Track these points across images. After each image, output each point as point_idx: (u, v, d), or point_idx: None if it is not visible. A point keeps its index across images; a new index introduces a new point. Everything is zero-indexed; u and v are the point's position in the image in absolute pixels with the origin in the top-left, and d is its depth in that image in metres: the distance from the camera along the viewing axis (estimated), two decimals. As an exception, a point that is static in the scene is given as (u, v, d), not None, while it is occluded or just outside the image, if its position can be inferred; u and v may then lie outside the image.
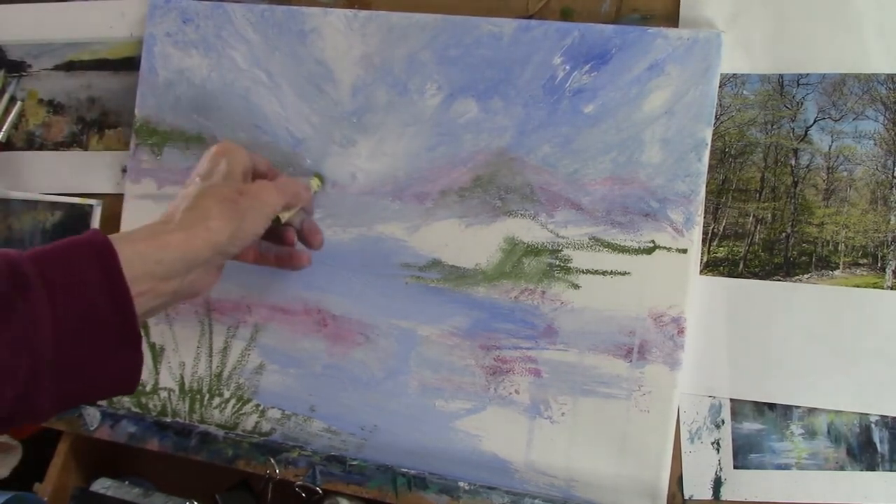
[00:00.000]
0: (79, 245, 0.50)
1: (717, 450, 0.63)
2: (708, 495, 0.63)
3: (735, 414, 0.63)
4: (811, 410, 0.62)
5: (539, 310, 0.66)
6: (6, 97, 0.82)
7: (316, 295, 0.71)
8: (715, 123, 0.64)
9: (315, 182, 0.71)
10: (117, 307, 0.49)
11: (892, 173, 0.62)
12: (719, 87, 0.64)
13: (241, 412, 0.72)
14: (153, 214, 0.75)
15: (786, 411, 0.62)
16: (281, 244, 0.67)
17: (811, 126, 0.63)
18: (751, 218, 0.64)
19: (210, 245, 0.55)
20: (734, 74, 0.65)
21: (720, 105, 0.65)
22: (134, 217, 0.77)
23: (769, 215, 0.64)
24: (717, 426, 0.63)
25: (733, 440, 0.63)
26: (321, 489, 0.68)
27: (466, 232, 0.68)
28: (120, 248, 0.50)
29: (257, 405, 0.72)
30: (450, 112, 0.69)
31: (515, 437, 0.66)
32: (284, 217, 0.63)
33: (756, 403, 0.63)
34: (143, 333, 0.74)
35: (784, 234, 0.63)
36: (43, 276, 0.47)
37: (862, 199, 0.62)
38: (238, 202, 0.58)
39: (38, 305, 0.46)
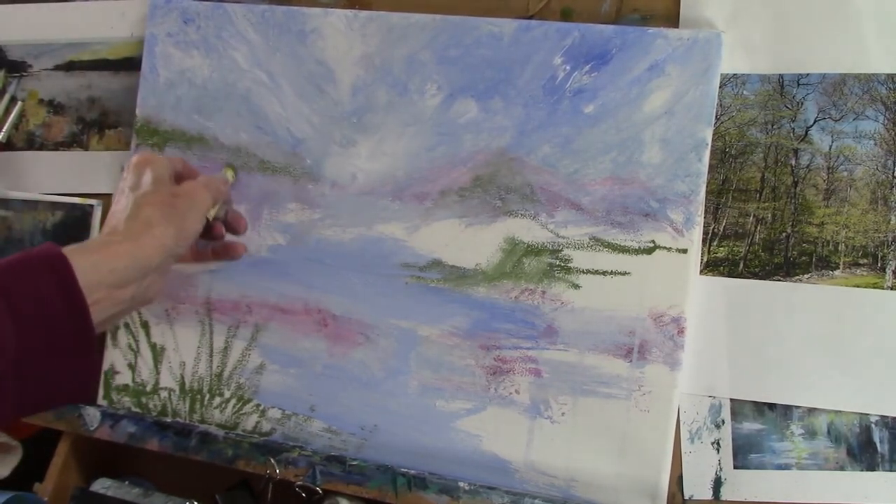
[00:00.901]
0: (34, 256, 0.52)
1: (717, 450, 0.63)
2: (708, 495, 0.63)
3: (735, 414, 0.63)
4: (811, 410, 0.62)
5: (539, 310, 0.66)
6: (6, 97, 0.82)
7: (316, 295, 0.71)
8: (715, 123, 0.64)
9: (230, 173, 0.73)
10: (73, 314, 0.51)
11: (893, 173, 0.62)
12: (719, 87, 0.64)
13: (241, 412, 0.72)
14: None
15: (786, 411, 0.62)
16: (212, 239, 0.70)
17: (811, 126, 0.63)
18: (751, 218, 0.64)
19: (158, 249, 0.58)
20: (734, 74, 0.65)
21: (720, 105, 0.65)
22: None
23: (769, 215, 0.64)
24: (717, 426, 0.63)
25: (733, 440, 0.63)
26: (321, 489, 0.68)
27: (467, 232, 0.68)
28: (74, 260, 0.52)
29: (257, 405, 0.72)
30: (450, 112, 0.69)
31: (515, 437, 0.66)
32: (212, 213, 0.65)
33: (756, 403, 0.63)
34: (143, 334, 0.75)
35: (784, 234, 0.64)
36: (1, 287, 0.49)
37: (862, 199, 0.62)
38: (175, 205, 0.60)
39: None
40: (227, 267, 0.74)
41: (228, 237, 0.71)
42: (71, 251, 0.53)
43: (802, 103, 0.64)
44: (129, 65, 0.79)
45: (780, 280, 0.63)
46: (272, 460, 0.69)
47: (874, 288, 0.61)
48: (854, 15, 0.62)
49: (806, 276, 0.63)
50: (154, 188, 0.61)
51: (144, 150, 0.64)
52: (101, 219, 0.78)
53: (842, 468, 0.61)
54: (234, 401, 0.73)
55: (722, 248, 0.65)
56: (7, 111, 0.82)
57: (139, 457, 0.77)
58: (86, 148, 0.80)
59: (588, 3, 0.68)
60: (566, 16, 0.68)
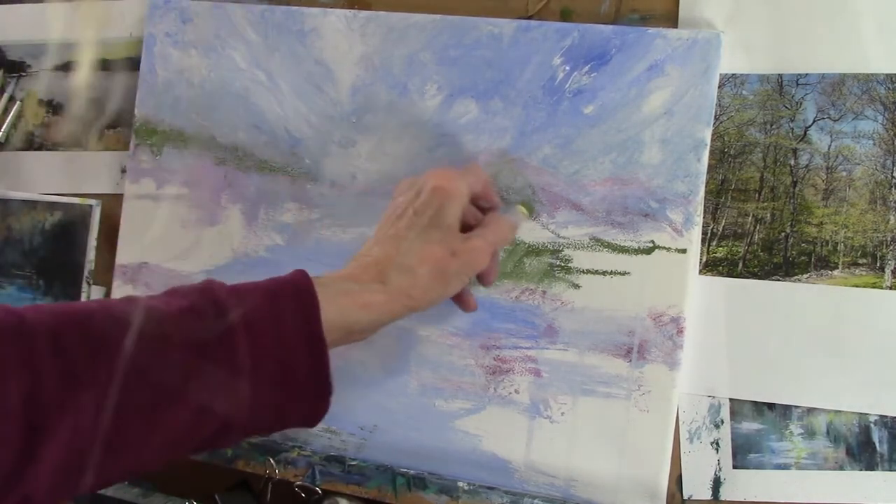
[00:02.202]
0: (284, 295, 0.51)
1: (717, 450, 0.63)
2: (707, 495, 0.63)
3: (734, 414, 0.63)
4: (810, 410, 0.62)
5: (539, 309, 0.66)
6: (5, 97, 0.82)
7: (316, 295, 0.71)
8: (714, 123, 0.64)
9: (523, 212, 0.66)
10: (313, 361, 0.50)
11: (892, 173, 0.62)
12: (718, 87, 0.64)
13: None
14: (153, 215, 0.75)
15: (785, 411, 0.63)
16: (458, 304, 0.65)
17: (810, 126, 0.63)
18: (750, 218, 0.64)
19: (408, 310, 0.55)
20: (733, 74, 0.65)
21: (719, 105, 0.65)
22: (133, 217, 0.76)
23: (768, 215, 0.64)
24: (717, 426, 0.63)
25: (732, 440, 0.63)
26: (321, 489, 0.68)
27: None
28: (324, 303, 0.51)
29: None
30: (450, 113, 0.69)
31: (515, 437, 0.66)
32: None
33: (755, 403, 0.63)
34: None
35: (783, 234, 0.64)
36: (245, 319, 0.48)
37: (861, 199, 0.62)
38: (449, 267, 0.56)
39: (238, 346, 0.48)
40: (224, 268, 0.74)
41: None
42: (323, 287, 0.51)
43: (801, 103, 0.64)
44: (129, 65, 0.79)
45: (779, 280, 0.63)
46: (271, 460, 0.69)
47: (873, 288, 0.61)
48: (853, 15, 0.62)
49: (805, 275, 0.63)
50: (441, 237, 0.56)
51: (444, 174, 0.57)
52: (100, 219, 0.78)
53: (841, 468, 0.61)
54: (233, 401, 0.73)
55: (721, 248, 0.65)
56: (6, 111, 0.82)
57: (138, 457, 0.77)
58: (85, 148, 0.80)
59: (587, 4, 0.68)
60: (565, 16, 0.68)
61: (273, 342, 0.49)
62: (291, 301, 0.50)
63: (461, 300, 0.64)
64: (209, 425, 0.48)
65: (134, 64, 0.78)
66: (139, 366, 0.45)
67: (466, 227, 0.60)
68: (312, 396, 0.52)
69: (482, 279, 0.63)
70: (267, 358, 0.49)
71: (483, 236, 0.59)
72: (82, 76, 0.80)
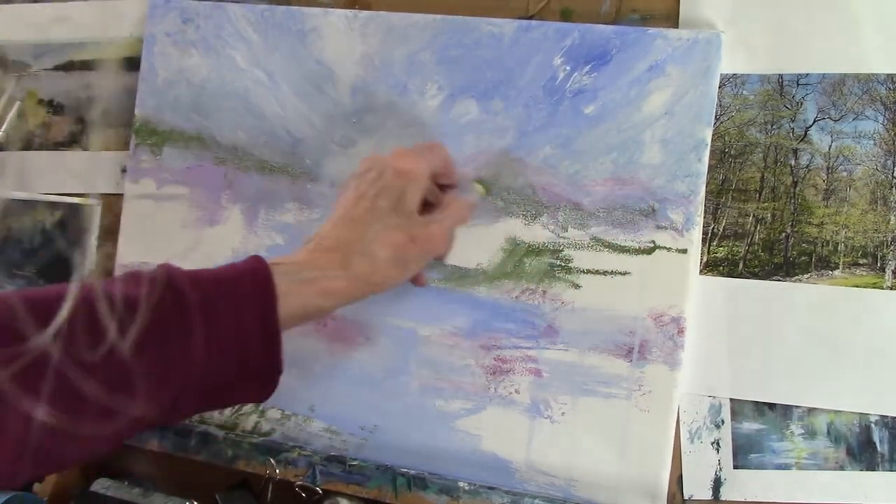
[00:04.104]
0: (243, 284, 0.51)
1: (717, 450, 0.63)
2: (708, 495, 0.63)
3: (735, 414, 0.63)
4: (811, 410, 0.62)
5: (540, 309, 0.66)
6: (5, 97, 0.82)
7: (316, 295, 0.71)
8: (715, 124, 0.64)
9: (480, 190, 0.67)
10: (267, 350, 0.51)
11: (892, 173, 0.62)
12: (719, 87, 0.64)
13: (240, 412, 0.72)
14: (153, 214, 0.75)
15: (786, 411, 0.63)
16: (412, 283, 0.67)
17: (811, 126, 0.63)
18: (750, 218, 0.64)
19: (367, 294, 0.56)
20: (734, 74, 0.65)
21: (720, 105, 0.65)
22: (134, 217, 0.76)
23: (769, 215, 0.64)
24: (717, 426, 0.63)
25: (733, 440, 0.63)
26: (321, 489, 0.68)
27: (468, 232, 0.68)
28: (282, 293, 0.51)
29: (257, 405, 0.72)
30: (451, 113, 0.69)
31: (515, 437, 0.66)
32: None
33: (756, 403, 0.63)
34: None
35: (784, 234, 0.64)
36: (203, 307, 0.49)
37: (862, 200, 0.62)
38: (409, 253, 0.57)
39: (195, 334, 0.48)
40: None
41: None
42: (282, 275, 0.52)
43: (802, 103, 0.64)
44: (129, 65, 0.79)
45: (779, 280, 0.63)
46: (272, 460, 0.69)
47: (874, 288, 0.61)
48: (854, 15, 0.62)
49: (805, 276, 0.63)
50: (402, 222, 0.57)
51: (409, 157, 0.58)
52: (100, 219, 0.78)
53: (842, 468, 0.61)
54: (233, 401, 0.73)
55: (721, 248, 0.65)
56: (6, 111, 0.82)
57: (139, 457, 0.77)
58: (85, 148, 0.80)
59: (588, 4, 0.68)
60: (566, 16, 0.68)
61: (229, 332, 0.49)
62: (249, 290, 0.51)
63: (414, 278, 0.65)
64: (159, 409, 0.49)
65: (134, 64, 0.78)
66: (94, 353, 0.45)
67: (426, 205, 0.61)
68: (262, 381, 0.53)
69: (438, 257, 0.65)
70: (222, 347, 0.49)
71: (442, 221, 0.60)
72: (83, 76, 0.80)
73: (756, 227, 0.64)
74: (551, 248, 0.66)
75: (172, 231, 0.75)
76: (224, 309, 0.50)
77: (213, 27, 0.75)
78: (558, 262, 0.66)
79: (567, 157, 0.66)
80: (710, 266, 0.65)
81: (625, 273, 0.65)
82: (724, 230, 0.65)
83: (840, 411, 0.62)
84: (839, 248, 0.62)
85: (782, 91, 0.64)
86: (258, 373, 0.52)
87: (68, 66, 0.81)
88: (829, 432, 0.62)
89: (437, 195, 0.63)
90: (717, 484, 0.63)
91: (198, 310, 0.49)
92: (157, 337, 0.47)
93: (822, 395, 0.62)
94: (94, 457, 0.48)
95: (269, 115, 0.73)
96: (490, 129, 0.68)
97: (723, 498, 0.63)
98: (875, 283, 0.61)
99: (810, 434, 0.62)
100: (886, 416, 0.61)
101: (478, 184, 0.67)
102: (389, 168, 0.58)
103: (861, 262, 0.62)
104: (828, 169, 0.63)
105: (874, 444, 0.61)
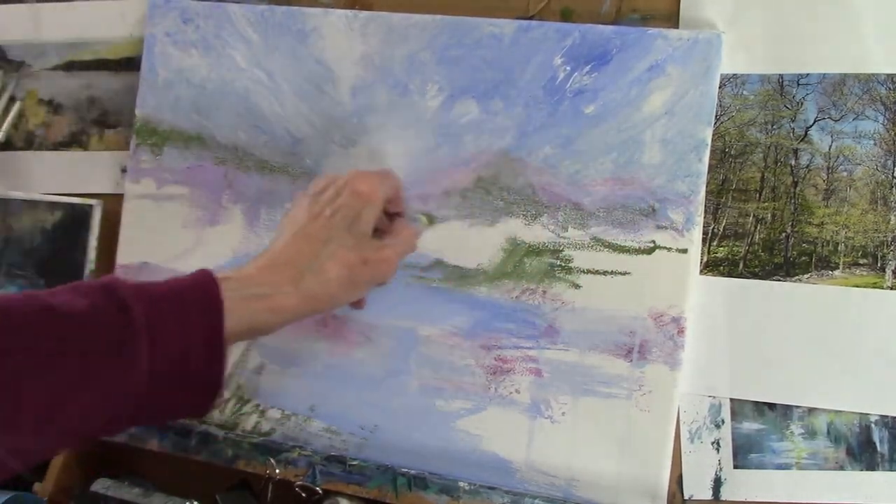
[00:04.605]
0: (189, 300, 0.50)
1: (717, 449, 0.63)
2: (708, 495, 0.63)
3: (735, 414, 0.63)
4: (811, 410, 0.62)
5: (540, 309, 0.66)
6: (6, 97, 0.82)
7: (316, 295, 0.71)
8: (715, 123, 0.64)
9: (424, 221, 0.68)
10: (211, 366, 0.50)
11: (892, 173, 0.62)
12: (719, 87, 0.64)
13: (241, 412, 0.72)
14: (153, 215, 0.75)
15: (786, 411, 0.63)
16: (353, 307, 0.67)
17: (811, 126, 0.63)
18: (751, 218, 0.64)
19: (315, 312, 0.55)
20: (734, 74, 0.65)
21: (720, 105, 0.65)
22: (134, 217, 0.76)
23: (769, 215, 0.64)
24: (717, 426, 0.63)
25: (733, 440, 0.63)
26: (321, 489, 0.68)
27: (468, 232, 0.68)
28: (231, 308, 0.51)
29: (257, 405, 0.72)
30: (451, 113, 0.69)
31: (516, 437, 0.66)
32: None
33: (756, 403, 0.63)
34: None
35: (784, 234, 0.64)
36: (148, 323, 0.48)
37: (862, 199, 0.62)
38: (360, 275, 0.57)
39: (139, 352, 0.47)
40: (224, 268, 0.73)
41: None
42: (232, 290, 0.51)
43: (802, 103, 0.64)
44: (129, 65, 0.79)
45: (779, 280, 0.63)
46: (272, 460, 0.69)
47: (874, 288, 0.61)
48: (854, 15, 0.62)
49: (806, 275, 0.63)
50: (355, 243, 0.56)
51: (366, 179, 0.58)
52: (100, 219, 0.78)
53: (842, 468, 0.61)
54: (233, 401, 0.73)
55: (722, 248, 0.65)
56: (6, 111, 0.82)
57: (139, 457, 0.77)
58: (85, 148, 0.80)
59: (588, 4, 0.68)
60: (566, 16, 0.68)
61: (174, 347, 0.49)
62: (196, 306, 0.50)
63: (355, 301, 0.64)
64: (99, 422, 0.48)
65: (134, 64, 0.78)
66: (34, 366, 0.45)
67: (374, 231, 0.60)
68: (205, 396, 0.52)
69: (381, 283, 0.62)
70: (166, 362, 0.49)
71: (393, 247, 0.60)
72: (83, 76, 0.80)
73: (756, 227, 0.64)
74: (551, 248, 0.66)
75: (172, 231, 0.75)
76: (169, 322, 0.49)
77: (213, 27, 0.75)
78: (558, 262, 0.66)
79: (567, 157, 0.66)
80: (711, 266, 0.65)
81: (625, 273, 0.65)
82: (724, 230, 0.65)
83: (840, 411, 0.62)
84: (839, 248, 0.62)
85: (782, 91, 0.64)
86: (201, 387, 0.51)
87: (68, 66, 0.81)
88: (829, 432, 0.62)
89: (384, 222, 0.63)
90: (718, 484, 0.63)
91: (142, 323, 0.48)
92: (100, 349, 0.47)
93: (822, 395, 0.62)
94: (27, 468, 0.47)
95: (269, 115, 0.73)
96: (490, 130, 0.68)
97: (723, 498, 0.63)
98: (875, 283, 0.61)
99: (810, 434, 0.62)
100: (886, 416, 0.61)
101: (423, 215, 0.68)
102: (347, 188, 0.58)
103: (861, 262, 0.62)
104: (828, 169, 0.63)
105: (874, 444, 0.61)
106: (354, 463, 0.68)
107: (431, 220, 0.68)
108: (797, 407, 0.62)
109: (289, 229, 0.58)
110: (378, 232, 0.62)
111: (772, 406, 0.63)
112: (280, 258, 0.56)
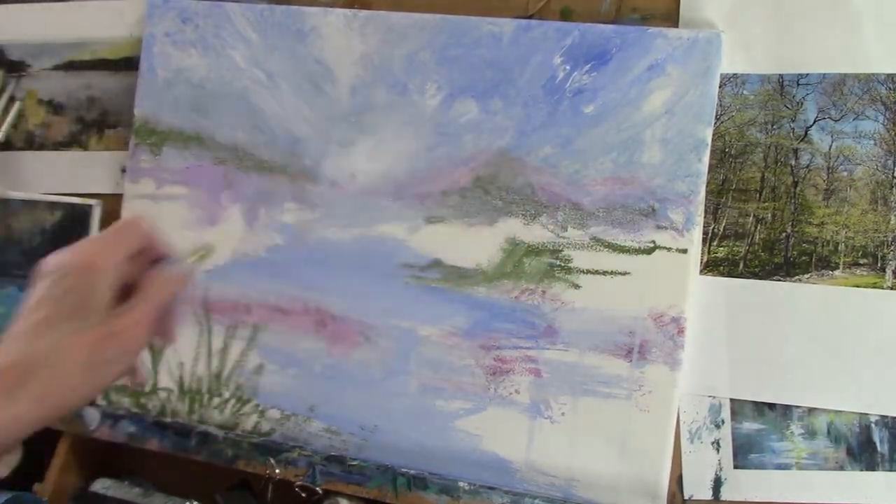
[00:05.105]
0: None
1: (717, 450, 0.63)
2: (708, 495, 0.63)
3: (735, 414, 0.63)
4: (811, 410, 0.62)
5: (539, 309, 0.66)
6: (5, 97, 0.82)
7: (316, 295, 0.71)
8: (715, 123, 0.64)
9: (192, 258, 0.65)
10: None
11: (892, 173, 0.62)
12: (719, 86, 0.64)
13: (240, 412, 0.72)
14: (153, 215, 0.75)
15: (786, 411, 0.63)
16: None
17: (811, 126, 0.63)
18: (751, 218, 0.64)
19: (56, 415, 0.47)
20: (734, 74, 0.65)
21: (720, 105, 0.65)
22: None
23: (769, 215, 0.64)
24: (717, 426, 0.63)
25: (733, 440, 0.63)
26: (321, 489, 0.68)
27: (467, 232, 0.68)
28: None
29: (257, 405, 0.72)
30: (450, 112, 0.69)
31: (515, 437, 0.66)
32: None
33: (756, 403, 0.63)
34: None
35: (784, 234, 0.64)
36: None
37: (862, 199, 0.62)
38: (104, 355, 0.48)
39: None
40: (223, 268, 0.74)
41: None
42: None
43: (802, 103, 0.64)
44: (128, 64, 0.79)
45: (779, 280, 0.63)
46: (272, 460, 0.69)
47: (874, 288, 0.61)
48: (854, 15, 0.62)
49: (806, 276, 0.63)
50: (90, 323, 0.47)
51: (76, 254, 0.48)
52: (100, 219, 0.78)
53: (842, 468, 0.61)
54: (233, 401, 0.73)
55: (722, 248, 0.65)
56: (6, 111, 0.82)
57: (139, 457, 0.77)
58: (85, 148, 0.80)
59: (588, 3, 0.68)
60: (566, 15, 0.68)
61: None
62: None
63: (131, 376, 0.55)
64: None
65: (133, 64, 0.78)
66: None
67: (130, 289, 0.52)
68: None
69: (163, 337, 0.54)
70: None
71: (140, 306, 0.51)
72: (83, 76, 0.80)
73: (756, 227, 0.64)
74: (551, 248, 0.66)
75: (172, 231, 0.75)
76: None
77: (213, 27, 0.75)
78: (558, 262, 0.66)
79: (567, 157, 0.66)
80: (711, 266, 0.65)
81: (625, 273, 0.65)
82: (724, 230, 0.65)
83: (840, 411, 0.61)
84: (839, 248, 0.62)
85: (782, 91, 0.64)
86: None
87: (68, 66, 0.81)
88: (829, 432, 0.62)
89: (140, 275, 0.53)
90: (718, 484, 0.63)
91: None
92: None
93: (822, 395, 0.62)
94: None
95: (269, 115, 0.73)
96: (489, 129, 0.68)
97: (723, 498, 0.63)
98: (875, 283, 0.61)
99: (810, 434, 0.62)
100: (886, 416, 0.61)
101: (194, 252, 0.65)
102: (69, 266, 0.49)
103: (861, 261, 0.62)
104: (828, 169, 0.63)
105: (874, 444, 0.61)
106: (354, 463, 0.68)
107: (203, 256, 0.66)
108: (797, 407, 0.62)
109: (12, 327, 0.48)
110: (134, 290, 0.52)
111: (772, 406, 0.63)
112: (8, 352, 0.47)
